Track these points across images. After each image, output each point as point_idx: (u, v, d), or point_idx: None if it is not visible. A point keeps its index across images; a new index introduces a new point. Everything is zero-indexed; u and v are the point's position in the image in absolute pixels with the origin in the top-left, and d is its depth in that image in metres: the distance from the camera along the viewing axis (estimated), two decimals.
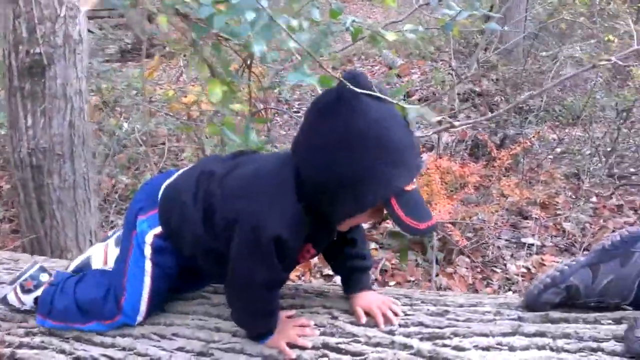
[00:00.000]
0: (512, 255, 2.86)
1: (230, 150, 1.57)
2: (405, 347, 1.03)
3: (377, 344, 1.05)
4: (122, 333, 1.20)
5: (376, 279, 2.62)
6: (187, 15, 1.39)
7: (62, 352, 1.22)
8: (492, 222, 2.87)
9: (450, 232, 2.61)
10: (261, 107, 2.85)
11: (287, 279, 1.21)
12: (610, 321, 1.01)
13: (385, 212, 0.98)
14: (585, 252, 2.67)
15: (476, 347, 1.00)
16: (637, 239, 1.02)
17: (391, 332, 1.07)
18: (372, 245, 2.83)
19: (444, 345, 1.02)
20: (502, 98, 4.34)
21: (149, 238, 1.15)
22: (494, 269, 2.74)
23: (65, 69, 1.98)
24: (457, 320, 1.08)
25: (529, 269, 2.69)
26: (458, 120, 1.97)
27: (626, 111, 3.84)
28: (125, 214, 1.34)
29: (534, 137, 3.42)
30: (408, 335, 1.06)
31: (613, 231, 2.79)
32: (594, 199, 3.44)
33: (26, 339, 1.26)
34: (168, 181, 1.19)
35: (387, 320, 1.09)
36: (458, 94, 4.03)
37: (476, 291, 2.56)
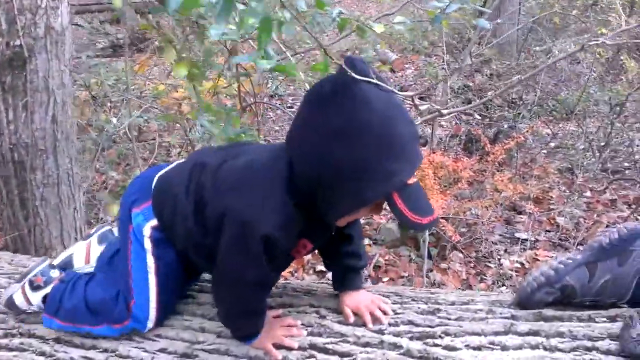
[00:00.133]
0: (505, 250, 2.85)
1: (217, 144, 1.53)
2: (395, 346, 1.01)
3: (366, 344, 1.03)
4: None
5: (369, 275, 2.60)
6: None
7: (42, 354, 1.18)
8: (486, 217, 2.85)
9: (443, 228, 2.59)
10: (251, 102, 2.82)
11: (279, 278, 1.17)
12: (604, 319, 0.99)
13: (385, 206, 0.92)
14: (579, 247, 2.67)
15: (468, 346, 0.98)
16: (636, 237, 0.99)
17: (380, 332, 1.04)
18: (366, 241, 2.81)
19: (435, 345, 0.99)
20: (495, 93, 4.33)
21: (146, 230, 1.11)
22: (488, 264, 2.73)
23: (47, 61, 1.92)
24: (449, 319, 1.05)
25: (522, 264, 2.68)
26: (446, 108, 1.95)
27: (619, 106, 3.84)
28: (118, 211, 1.29)
29: (527, 131, 3.42)
30: (398, 335, 1.03)
31: (607, 226, 2.79)
32: (587, 193, 3.44)
33: (4, 341, 1.22)
34: (161, 172, 1.15)
35: (376, 320, 1.06)
36: (452, 89, 4.01)
37: (470, 286, 2.55)
